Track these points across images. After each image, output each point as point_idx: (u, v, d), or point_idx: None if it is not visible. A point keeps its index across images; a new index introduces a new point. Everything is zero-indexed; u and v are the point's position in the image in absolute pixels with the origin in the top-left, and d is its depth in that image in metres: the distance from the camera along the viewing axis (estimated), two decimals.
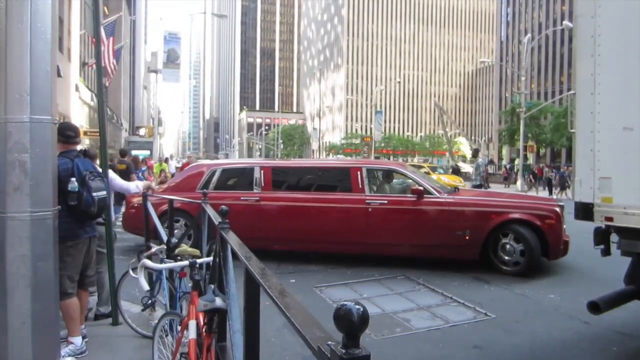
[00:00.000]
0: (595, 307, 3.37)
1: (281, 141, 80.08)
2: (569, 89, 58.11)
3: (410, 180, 6.71)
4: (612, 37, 3.48)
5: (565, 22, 34.01)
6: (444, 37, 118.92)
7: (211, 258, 2.59)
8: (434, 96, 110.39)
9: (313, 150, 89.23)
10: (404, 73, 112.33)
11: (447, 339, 3.94)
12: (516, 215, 6.05)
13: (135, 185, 4.46)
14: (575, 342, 3.88)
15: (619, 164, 3.44)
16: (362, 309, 0.84)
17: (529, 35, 49.99)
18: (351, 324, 0.84)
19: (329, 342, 0.90)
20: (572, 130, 3.89)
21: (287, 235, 6.60)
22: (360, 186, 6.43)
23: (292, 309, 1.19)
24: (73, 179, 3.13)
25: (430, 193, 6.28)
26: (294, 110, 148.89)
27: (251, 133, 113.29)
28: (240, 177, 7.21)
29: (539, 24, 76.18)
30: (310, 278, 5.85)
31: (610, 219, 3.50)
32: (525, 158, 34.93)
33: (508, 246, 6.04)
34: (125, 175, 12.97)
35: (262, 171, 6.80)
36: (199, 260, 2.66)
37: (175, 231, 6.91)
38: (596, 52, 3.54)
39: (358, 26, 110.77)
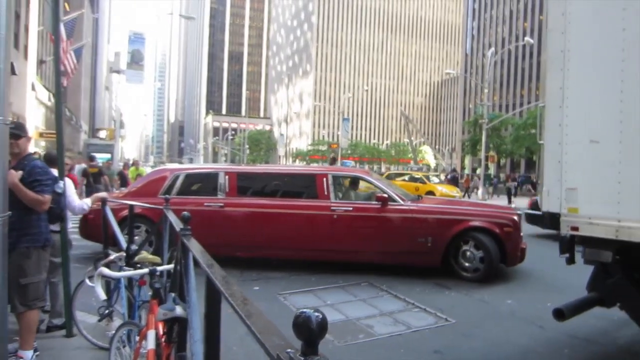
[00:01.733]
0: (560, 314, 3.48)
1: (247, 146, 79.47)
2: (529, 102, 60.38)
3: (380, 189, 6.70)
4: (580, 53, 3.60)
5: (527, 38, 35.37)
6: (412, 47, 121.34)
7: (172, 265, 2.54)
8: (401, 105, 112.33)
9: (280, 156, 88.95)
10: (372, 81, 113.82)
11: (409, 345, 3.99)
12: (476, 223, 6.20)
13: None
14: (530, 346, 4.01)
15: (585, 175, 3.54)
16: (320, 317, 0.84)
17: (493, 49, 51.65)
18: (310, 331, 0.84)
19: (288, 350, 0.90)
20: (541, 142, 3.98)
21: (252, 241, 6.52)
22: (325, 193, 6.43)
23: (253, 317, 1.18)
24: (61, 182, 3.04)
25: (394, 200, 6.34)
26: (262, 115, 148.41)
27: (217, 137, 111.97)
28: (204, 183, 7.08)
29: (502, 38, 78.82)
30: (274, 285, 5.81)
31: (575, 228, 3.60)
32: (487, 168, 35.92)
33: (468, 253, 6.18)
34: (97, 177, 12.60)
35: (226, 177, 6.70)
36: (159, 268, 2.61)
37: (136, 238, 6.75)
38: (565, 66, 3.65)
39: (328, 33, 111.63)
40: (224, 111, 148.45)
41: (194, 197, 6.77)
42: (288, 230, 6.43)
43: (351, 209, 6.39)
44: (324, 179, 6.51)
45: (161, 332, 2.25)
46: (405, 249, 6.24)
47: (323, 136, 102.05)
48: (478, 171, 31.96)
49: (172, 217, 3.23)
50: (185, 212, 2.53)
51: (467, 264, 6.19)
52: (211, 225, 6.38)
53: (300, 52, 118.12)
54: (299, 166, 8.03)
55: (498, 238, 6.08)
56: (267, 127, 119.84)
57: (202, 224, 6.50)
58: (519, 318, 4.75)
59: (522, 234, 6.47)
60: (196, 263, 2.03)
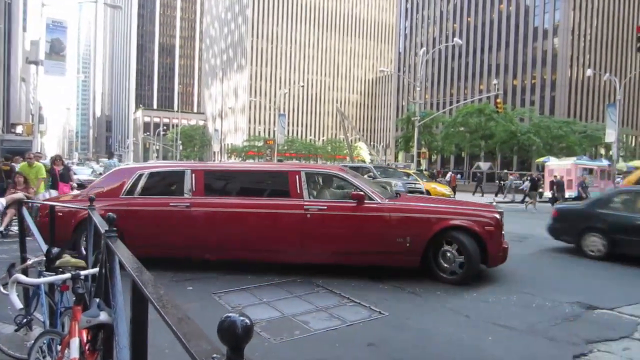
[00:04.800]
0: None
1: (180, 142, 77.10)
2: (458, 101, 63.20)
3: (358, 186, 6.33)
4: None
5: (456, 39, 36.95)
6: (347, 45, 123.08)
7: (97, 269, 2.42)
8: (336, 101, 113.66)
9: (215, 152, 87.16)
10: (308, 77, 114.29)
11: (344, 339, 4.07)
12: (456, 222, 5.97)
13: None
14: (457, 334, 4.22)
15: None
16: (246, 321, 0.83)
17: (424, 48, 53.61)
18: (235, 336, 0.82)
19: (214, 355, 0.88)
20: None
21: (221, 243, 6.19)
22: (298, 191, 6.12)
23: (179, 322, 1.15)
24: None
25: (371, 198, 6.07)
26: (195, 110, 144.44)
27: (148, 133, 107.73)
28: (169, 182, 6.67)
29: (434, 38, 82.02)
30: (209, 284, 5.70)
31: None
32: (419, 164, 37.26)
33: (449, 254, 5.98)
34: (8, 176, 11.57)
35: (193, 175, 6.32)
36: (82, 272, 2.47)
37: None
38: None
39: (263, 27, 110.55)
40: (155, 106, 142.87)
41: (159, 197, 6.39)
42: (259, 231, 6.12)
43: (325, 207, 6.07)
44: (297, 177, 6.19)
45: (85, 339, 2.14)
46: (383, 249, 6.00)
47: (259, 132, 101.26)
48: (413, 167, 32.99)
49: (97, 218, 3.07)
50: (110, 213, 2.40)
51: (446, 265, 5.99)
52: (177, 227, 6.11)
53: (234, 46, 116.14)
54: (270, 163, 7.44)
55: (479, 237, 5.89)
56: (201, 123, 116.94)
57: (168, 226, 6.23)
58: (449, 308, 4.99)
59: (504, 232, 6.31)
60: (122, 266, 1.94)
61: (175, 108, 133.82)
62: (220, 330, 0.83)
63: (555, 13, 65.87)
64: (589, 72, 48.77)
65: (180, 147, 77.71)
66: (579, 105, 66.57)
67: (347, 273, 6.24)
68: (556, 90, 65.29)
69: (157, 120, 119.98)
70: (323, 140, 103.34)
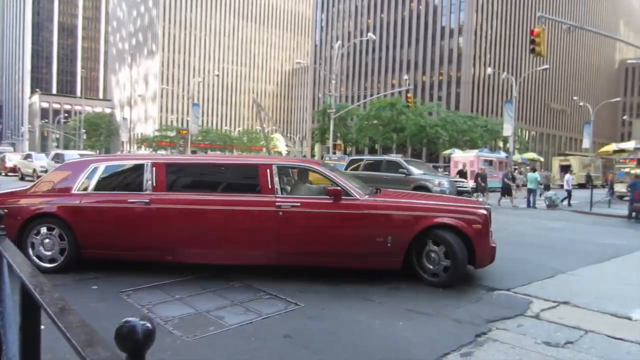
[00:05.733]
0: None
1: (84, 131, 71.79)
2: (371, 95, 65.23)
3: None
4: None
5: (370, 34, 38.01)
6: (263, 35, 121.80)
7: None
8: (253, 92, 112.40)
9: (123, 142, 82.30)
10: (223, 66, 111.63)
11: (260, 332, 4.03)
12: (441, 220, 5.55)
13: None
14: (369, 321, 4.36)
15: None
16: (147, 325, 0.78)
17: (340, 42, 54.50)
18: (135, 342, 0.77)
19: None
20: None
21: (184, 244, 5.66)
22: (269, 186, 5.61)
23: (74, 328, 1.05)
24: None
25: (348, 194, 5.62)
26: (100, 97, 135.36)
27: (46, 120, 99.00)
28: (127, 176, 6.05)
29: (349, 32, 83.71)
30: (116, 283, 5.37)
31: None
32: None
33: (433, 254, 5.57)
34: None
35: (154, 168, 5.76)
36: None
37: (47, 241, 5.77)
38: None
39: (175, 13, 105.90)
40: (54, 90, 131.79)
41: (116, 193, 5.83)
42: (227, 230, 5.62)
43: (299, 204, 5.57)
44: (268, 170, 5.68)
45: None
46: (361, 250, 5.57)
47: (171, 121, 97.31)
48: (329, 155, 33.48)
49: None
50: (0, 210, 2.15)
51: (430, 267, 5.58)
52: (136, 226, 5.59)
53: (144, 30, 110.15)
54: (240, 156, 6.70)
55: (466, 236, 5.50)
56: (108, 110, 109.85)
57: (125, 225, 5.66)
58: (361, 297, 5.14)
59: (491, 230, 5.89)
60: (10, 268, 1.75)
61: (78, 94, 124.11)
62: (118, 336, 0.78)
63: (460, 14, 70.24)
64: (489, 70, 52.59)
65: (84, 136, 72.31)
66: (481, 102, 71.77)
67: (263, 267, 6.18)
68: (461, 86, 69.81)
69: (57, 106, 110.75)
70: (239, 131, 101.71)
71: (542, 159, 49.50)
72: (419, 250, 5.61)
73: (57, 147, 78.74)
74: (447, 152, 41.25)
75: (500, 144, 57.25)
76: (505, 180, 19.17)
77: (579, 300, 5.21)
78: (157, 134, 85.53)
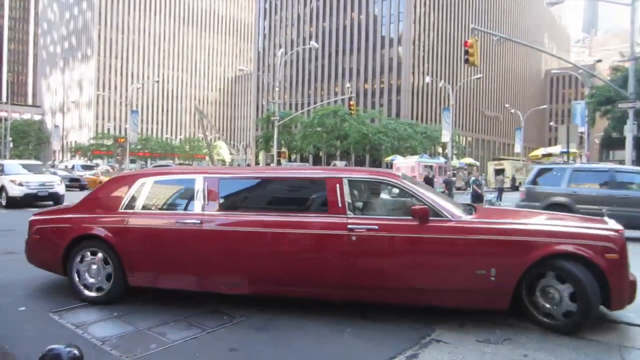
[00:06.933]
0: None
1: (11, 139, 67.19)
2: (315, 102, 65.76)
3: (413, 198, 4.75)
4: None
5: (312, 42, 38.37)
6: (205, 41, 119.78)
7: None
8: (195, 99, 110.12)
9: (54, 151, 77.83)
10: (163, 72, 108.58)
11: (204, 347, 3.92)
12: (565, 248, 4.29)
13: None
14: (320, 329, 4.34)
15: None
16: (74, 352, 0.75)
17: (283, 49, 54.63)
18: None
19: None
20: None
21: (239, 273, 4.86)
22: (339, 204, 4.66)
23: None
24: None
25: (438, 214, 4.52)
26: (29, 102, 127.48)
27: None
28: (177, 192, 5.40)
29: (292, 40, 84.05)
30: (47, 302, 5.03)
31: None
32: (279, 163, 37.92)
33: (552, 290, 4.35)
34: None
35: (206, 183, 5.04)
36: None
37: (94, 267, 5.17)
38: None
39: (112, 16, 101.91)
40: None
41: (165, 212, 5.18)
42: (286, 258, 4.71)
43: (376, 227, 4.54)
44: (338, 185, 4.73)
45: None
46: (457, 286, 4.43)
47: (108, 129, 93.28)
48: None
49: None
50: None
51: (548, 306, 4.36)
52: (186, 251, 4.88)
53: (78, 33, 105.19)
54: (299, 168, 5.36)
55: (597, 269, 4.22)
56: (38, 117, 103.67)
57: (173, 250, 4.92)
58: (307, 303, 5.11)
59: (629, 261, 4.42)
60: None
61: (4, 99, 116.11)
62: None
63: (399, 24, 72.49)
64: (427, 79, 54.69)
65: (11, 145, 67.66)
66: (421, 109, 74.27)
67: None
68: (401, 94, 71.91)
69: None
70: (180, 139, 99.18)
71: (478, 164, 51.97)
72: (530, 286, 4.44)
73: None
74: (389, 158, 42.35)
75: (440, 150, 59.48)
76: (475, 187, 19.02)
77: None
78: (92, 142, 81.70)
